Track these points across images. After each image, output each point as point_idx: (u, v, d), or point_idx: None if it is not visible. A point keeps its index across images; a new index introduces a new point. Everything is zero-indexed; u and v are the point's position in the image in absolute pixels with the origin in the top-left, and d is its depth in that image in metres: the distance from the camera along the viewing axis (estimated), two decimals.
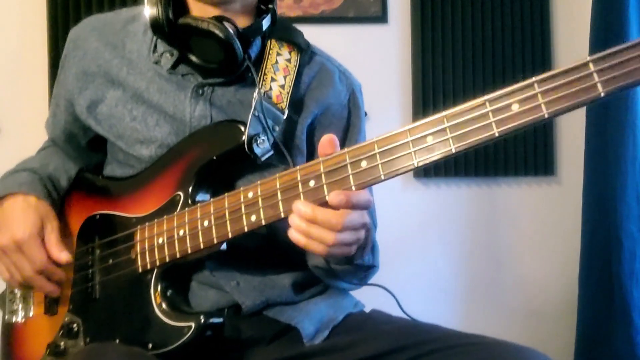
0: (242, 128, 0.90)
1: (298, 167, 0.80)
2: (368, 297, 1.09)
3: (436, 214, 2.26)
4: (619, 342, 1.92)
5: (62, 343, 0.92)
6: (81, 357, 0.82)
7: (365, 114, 2.21)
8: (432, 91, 2.24)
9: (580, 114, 2.01)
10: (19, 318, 1.03)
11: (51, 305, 1.00)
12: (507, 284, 2.32)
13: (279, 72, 0.97)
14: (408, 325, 0.93)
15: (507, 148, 2.25)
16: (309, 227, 0.76)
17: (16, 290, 1.04)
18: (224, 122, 0.94)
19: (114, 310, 0.92)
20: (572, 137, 2.26)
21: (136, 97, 0.97)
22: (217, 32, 0.89)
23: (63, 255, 0.94)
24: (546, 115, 0.64)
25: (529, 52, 2.28)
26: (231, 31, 0.90)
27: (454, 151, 0.70)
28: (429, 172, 2.25)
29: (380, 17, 2.25)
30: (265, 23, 0.97)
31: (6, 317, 1.04)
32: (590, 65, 0.61)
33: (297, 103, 1.00)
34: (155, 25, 0.92)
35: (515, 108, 0.65)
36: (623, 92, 0.60)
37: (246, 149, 0.89)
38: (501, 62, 2.27)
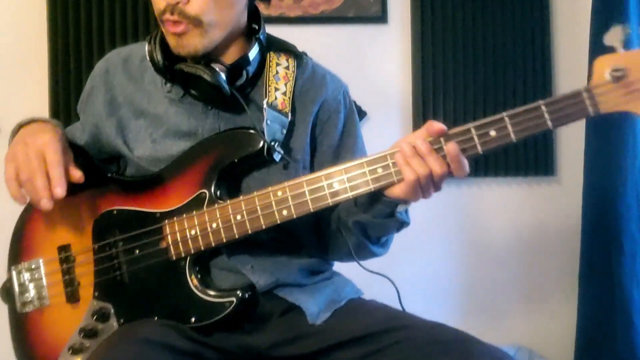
0: (260, 135, 1.03)
1: (323, 173, 0.96)
2: (372, 291, 1.13)
3: (436, 214, 2.26)
4: (619, 342, 1.92)
5: (94, 326, 1.02)
6: (120, 331, 0.99)
7: (365, 113, 2.24)
8: (431, 91, 2.24)
9: None
10: (32, 307, 1.08)
11: (73, 294, 1.07)
12: (506, 284, 2.32)
13: (280, 80, 1.11)
14: (397, 312, 1.05)
15: (507, 148, 2.24)
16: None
17: (27, 282, 1.09)
18: (240, 129, 1.06)
19: (147, 293, 1.03)
20: (572, 137, 2.26)
21: (156, 122, 1.11)
22: (205, 76, 1.03)
23: (77, 174, 1.00)
24: (514, 140, 0.91)
25: (529, 52, 2.28)
26: (218, 74, 1.03)
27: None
28: None
29: (380, 17, 2.26)
30: (252, 54, 1.09)
31: (18, 308, 1.09)
32: (543, 107, 0.89)
33: (296, 105, 1.13)
34: (158, 71, 1.08)
35: (493, 134, 0.91)
36: (566, 124, 0.90)
37: (265, 154, 1.03)
38: (501, 62, 2.27)
